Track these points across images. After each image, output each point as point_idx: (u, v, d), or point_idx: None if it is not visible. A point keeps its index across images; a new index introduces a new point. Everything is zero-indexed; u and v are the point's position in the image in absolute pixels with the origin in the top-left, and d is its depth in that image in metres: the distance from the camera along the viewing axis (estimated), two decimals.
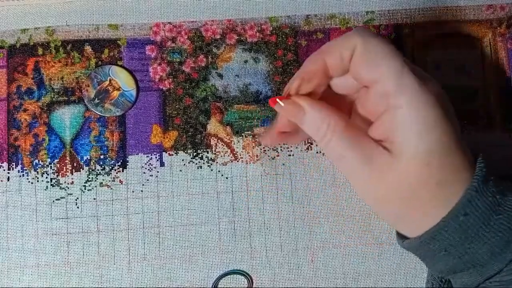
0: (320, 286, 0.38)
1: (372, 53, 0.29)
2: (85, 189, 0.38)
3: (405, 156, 0.28)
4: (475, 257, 0.30)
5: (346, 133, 0.30)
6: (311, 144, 0.39)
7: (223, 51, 0.40)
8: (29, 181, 0.38)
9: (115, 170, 0.39)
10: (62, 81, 0.39)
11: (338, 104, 0.32)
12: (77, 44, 0.40)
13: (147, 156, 0.39)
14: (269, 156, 0.39)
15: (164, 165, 0.39)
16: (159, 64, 0.40)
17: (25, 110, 0.39)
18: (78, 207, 0.38)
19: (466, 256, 0.30)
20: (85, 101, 0.39)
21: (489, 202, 0.29)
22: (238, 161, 0.39)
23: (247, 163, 0.39)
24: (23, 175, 0.38)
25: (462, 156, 0.29)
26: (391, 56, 0.29)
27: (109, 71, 0.39)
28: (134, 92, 0.39)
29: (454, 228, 0.29)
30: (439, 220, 0.29)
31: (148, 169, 0.39)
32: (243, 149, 0.39)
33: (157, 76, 0.39)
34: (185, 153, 0.39)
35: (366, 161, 0.29)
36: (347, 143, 0.30)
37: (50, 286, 0.37)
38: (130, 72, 0.39)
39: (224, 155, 0.39)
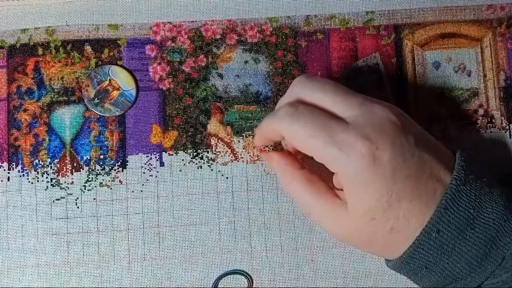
0: (320, 286, 0.38)
1: (295, 138, 0.32)
2: (85, 189, 0.38)
3: (354, 212, 0.31)
4: (455, 272, 0.30)
5: (309, 186, 0.33)
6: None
7: (223, 51, 0.40)
8: (29, 181, 0.38)
9: (115, 170, 0.39)
10: (62, 81, 0.39)
11: None
12: (77, 44, 0.40)
13: (147, 156, 0.39)
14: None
15: (164, 165, 0.39)
16: (159, 64, 0.40)
17: (25, 110, 0.39)
18: (78, 207, 0.38)
19: (446, 271, 0.30)
20: (85, 101, 0.39)
21: (461, 217, 0.29)
22: (238, 161, 0.39)
23: (247, 163, 0.39)
24: (23, 175, 0.38)
25: (418, 189, 0.30)
26: (314, 136, 0.30)
27: (108, 71, 0.39)
28: (133, 92, 0.39)
29: (429, 245, 0.30)
30: (411, 243, 0.30)
31: (148, 169, 0.39)
32: (243, 149, 0.39)
33: (157, 76, 0.39)
34: (185, 153, 0.39)
35: (328, 213, 0.32)
36: (309, 199, 0.33)
37: (50, 286, 0.37)
38: (130, 71, 0.39)
39: (224, 155, 0.39)
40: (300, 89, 0.33)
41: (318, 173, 0.34)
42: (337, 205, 0.32)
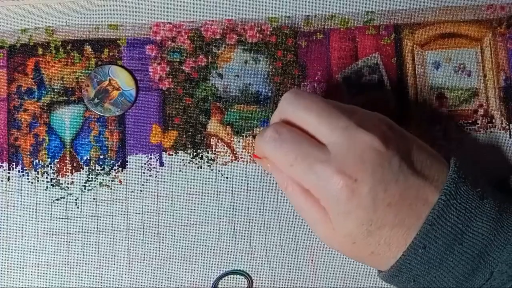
0: (320, 286, 0.38)
1: (278, 164, 0.32)
2: (85, 189, 0.38)
3: (337, 233, 0.31)
4: (442, 286, 0.30)
5: (302, 196, 0.32)
6: None
7: (223, 51, 0.40)
8: (29, 181, 0.38)
9: (115, 170, 0.39)
10: (62, 81, 0.39)
11: None
12: (77, 44, 0.40)
13: (147, 156, 0.39)
14: None
15: (163, 165, 0.39)
16: (159, 64, 0.40)
17: (25, 110, 0.39)
18: (78, 207, 0.38)
19: (433, 284, 0.30)
20: (85, 101, 0.39)
21: (449, 232, 0.29)
22: (238, 161, 0.39)
23: (247, 163, 0.39)
24: (23, 175, 0.38)
25: (400, 216, 0.30)
26: (295, 166, 0.31)
27: (108, 71, 0.39)
28: (133, 92, 0.39)
29: (416, 260, 0.30)
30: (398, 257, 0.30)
31: (148, 169, 0.39)
32: (243, 149, 0.39)
33: (157, 76, 0.39)
34: (185, 153, 0.39)
35: (317, 224, 0.32)
36: (302, 206, 0.32)
37: (50, 286, 0.37)
38: (130, 71, 0.39)
39: (224, 155, 0.39)
40: (287, 107, 0.33)
41: None
42: (327, 218, 0.31)
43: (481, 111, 0.40)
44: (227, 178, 0.39)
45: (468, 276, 0.29)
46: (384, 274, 0.32)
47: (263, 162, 0.35)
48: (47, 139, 0.39)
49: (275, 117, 0.34)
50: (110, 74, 0.39)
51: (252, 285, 0.38)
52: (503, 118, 0.40)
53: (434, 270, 0.30)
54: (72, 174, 0.38)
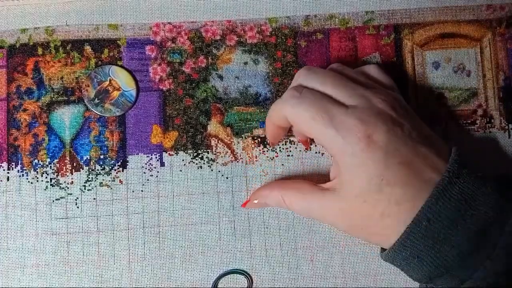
0: (320, 286, 0.38)
1: (298, 120, 0.33)
2: (85, 189, 0.38)
3: (348, 196, 0.32)
4: (446, 261, 0.30)
5: (297, 191, 0.35)
6: (310, 144, 0.39)
7: (223, 52, 0.40)
8: (28, 181, 0.38)
9: (115, 170, 0.39)
10: (62, 81, 0.39)
11: None
12: (77, 44, 0.40)
13: (147, 156, 0.39)
14: (268, 156, 0.39)
15: (164, 165, 0.39)
16: (159, 65, 0.39)
17: (24, 110, 0.39)
18: (78, 207, 0.38)
19: (437, 260, 0.30)
20: (85, 101, 0.39)
21: (453, 208, 0.30)
22: (238, 161, 0.39)
23: (246, 163, 0.39)
24: (22, 175, 0.38)
25: (410, 177, 0.31)
26: (316, 119, 0.32)
27: (109, 71, 0.39)
28: (134, 92, 0.39)
29: (420, 234, 0.30)
30: (403, 230, 0.31)
31: (148, 169, 0.39)
32: (243, 150, 0.39)
33: (157, 77, 0.39)
34: (186, 153, 0.39)
35: (324, 204, 0.33)
36: (302, 199, 0.34)
37: (50, 286, 0.37)
38: (130, 72, 0.39)
39: (224, 156, 0.39)
40: (302, 80, 0.34)
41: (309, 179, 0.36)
42: (328, 194, 0.33)
43: (480, 111, 0.40)
44: (227, 178, 0.39)
45: (472, 252, 0.30)
46: (387, 251, 0.32)
47: (252, 202, 0.37)
48: (46, 139, 0.39)
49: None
50: (111, 74, 0.39)
51: (252, 285, 0.38)
52: (502, 118, 0.40)
53: (438, 245, 0.30)
54: (72, 174, 0.39)
